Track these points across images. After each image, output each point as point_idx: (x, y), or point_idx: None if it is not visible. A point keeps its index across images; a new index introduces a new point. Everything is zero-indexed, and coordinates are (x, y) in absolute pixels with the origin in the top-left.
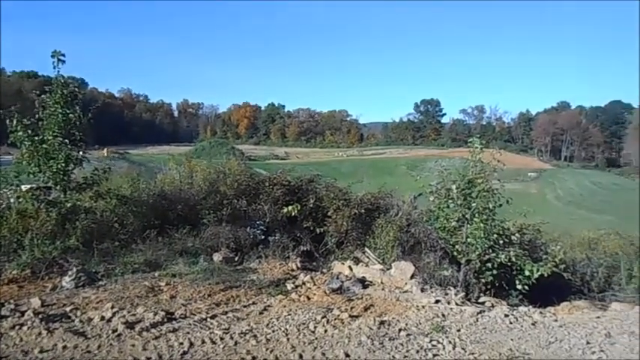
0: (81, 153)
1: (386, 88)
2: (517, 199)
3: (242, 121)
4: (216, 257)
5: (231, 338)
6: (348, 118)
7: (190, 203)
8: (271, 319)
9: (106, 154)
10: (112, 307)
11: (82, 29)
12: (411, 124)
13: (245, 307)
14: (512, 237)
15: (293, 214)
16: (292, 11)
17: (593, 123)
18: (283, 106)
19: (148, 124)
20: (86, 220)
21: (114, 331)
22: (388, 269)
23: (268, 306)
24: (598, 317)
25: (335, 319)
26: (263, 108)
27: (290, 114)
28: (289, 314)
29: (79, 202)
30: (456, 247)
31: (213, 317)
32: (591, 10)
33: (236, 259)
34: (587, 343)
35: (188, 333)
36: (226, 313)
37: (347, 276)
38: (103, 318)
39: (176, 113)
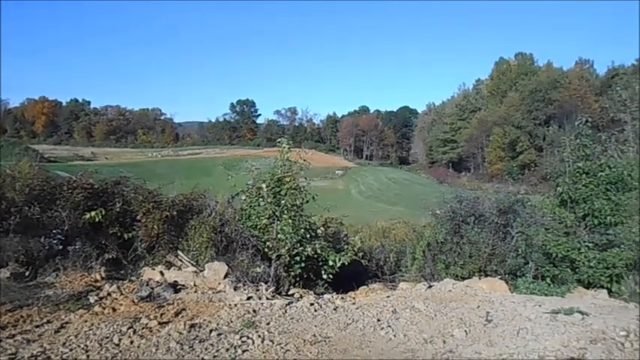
0: None
1: (201, 88)
2: (326, 195)
3: (39, 118)
4: (2, 274)
5: None
6: (162, 117)
7: None
8: (69, 336)
9: None
10: None
11: None
12: (227, 124)
13: (37, 327)
14: (318, 231)
15: (97, 219)
16: (99, 3)
17: (387, 125)
18: (89, 103)
19: None
20: None
21: None
22: (202, 271)
23: (66, 323)
24: (388, 297)
25: (143, 329)
26: (64, 104)
27: (97, 111)
28: (90, 329)
29: None
30: (267, 243)
31: None
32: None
33: (27, 274)
34: (378, 320)
35: None
36: (14, 336)
37: (158, 282)
38: None
39: None
